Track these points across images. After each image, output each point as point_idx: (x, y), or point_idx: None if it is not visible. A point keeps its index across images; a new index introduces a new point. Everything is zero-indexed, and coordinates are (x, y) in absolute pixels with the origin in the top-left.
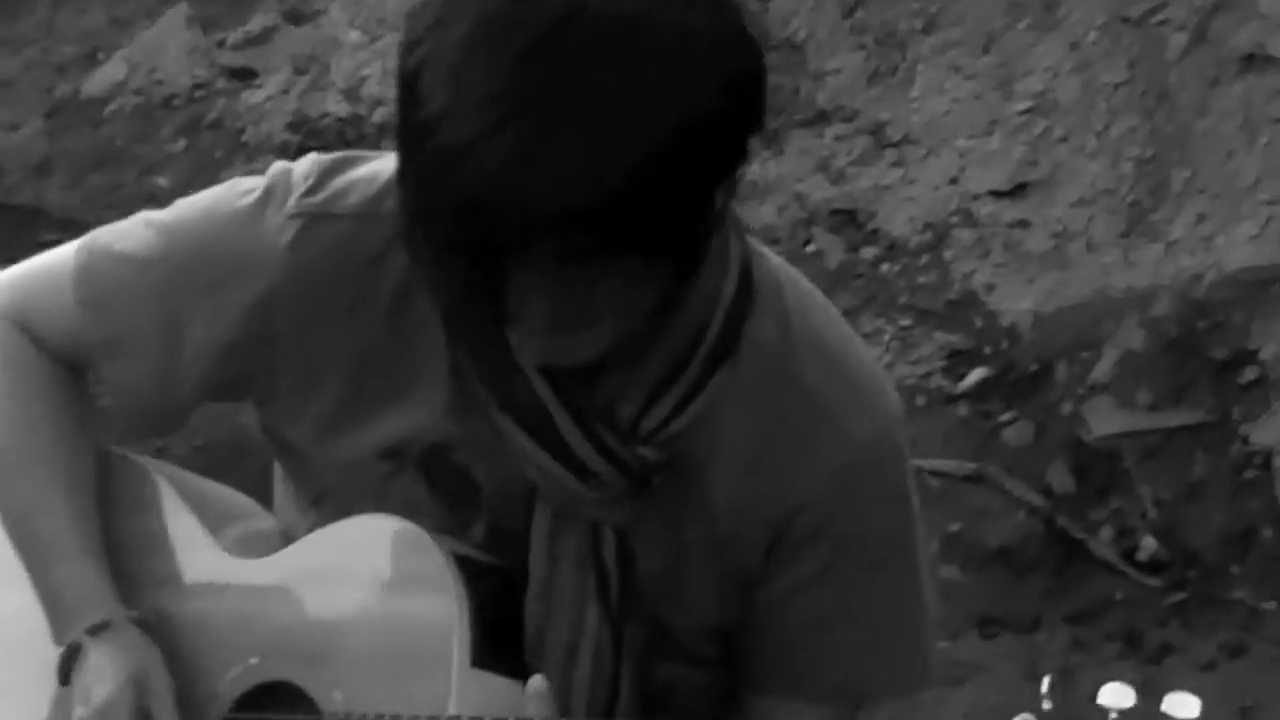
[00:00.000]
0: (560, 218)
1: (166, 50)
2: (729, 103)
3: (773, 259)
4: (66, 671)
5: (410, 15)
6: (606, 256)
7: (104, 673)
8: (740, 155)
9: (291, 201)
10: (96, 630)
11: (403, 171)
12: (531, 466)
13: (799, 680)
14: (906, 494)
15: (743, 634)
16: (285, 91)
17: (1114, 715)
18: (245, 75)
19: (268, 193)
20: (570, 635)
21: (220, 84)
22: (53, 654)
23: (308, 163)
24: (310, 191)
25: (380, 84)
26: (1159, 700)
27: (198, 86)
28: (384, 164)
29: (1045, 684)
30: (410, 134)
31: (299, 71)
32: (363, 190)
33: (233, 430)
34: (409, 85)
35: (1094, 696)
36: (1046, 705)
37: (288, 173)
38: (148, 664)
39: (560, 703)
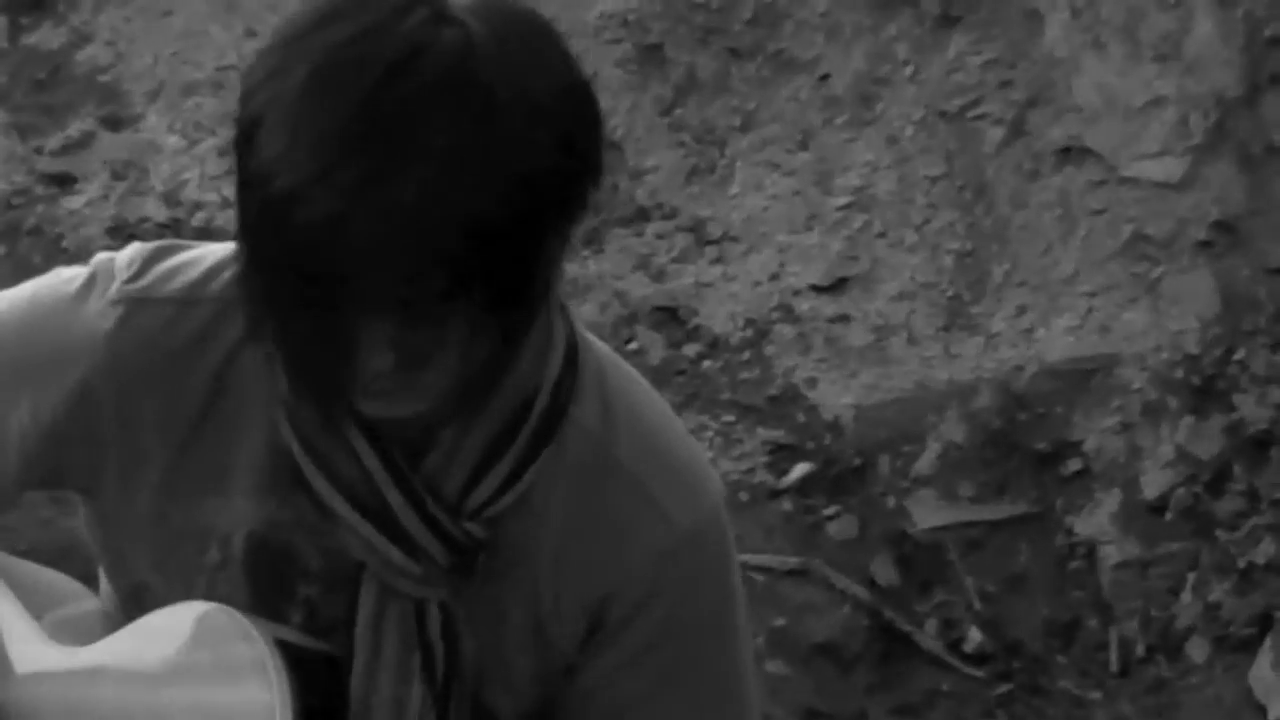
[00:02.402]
0: (395, 265)
1: None
2: (564, 156)
3: (597, 344)
4: None
5: (248, 67)
6: (445, 304)
7: None
8: (579, 205)
9: (114, 288)
10: None
11: (241, 223)
12: (358, 542)
13: None
14: (727, 579)
15: (562, 716)
16: (104, 197)
17: None
18: (64, 181)
19: (90, 280)
20: (395, 710)
21: (39, 190)
22: None
23: (132, 250)
24: (134, 278)
25: (199, 188)
26: None
27: (16, 193)
28: (208, 249)
29: None
30: (246, 183)
31: (117, 177)
32: (186, 274)
33: (59, 533)
34: (246, 135)
35: None
36: None
37: (111, 260)
38: None
39: None
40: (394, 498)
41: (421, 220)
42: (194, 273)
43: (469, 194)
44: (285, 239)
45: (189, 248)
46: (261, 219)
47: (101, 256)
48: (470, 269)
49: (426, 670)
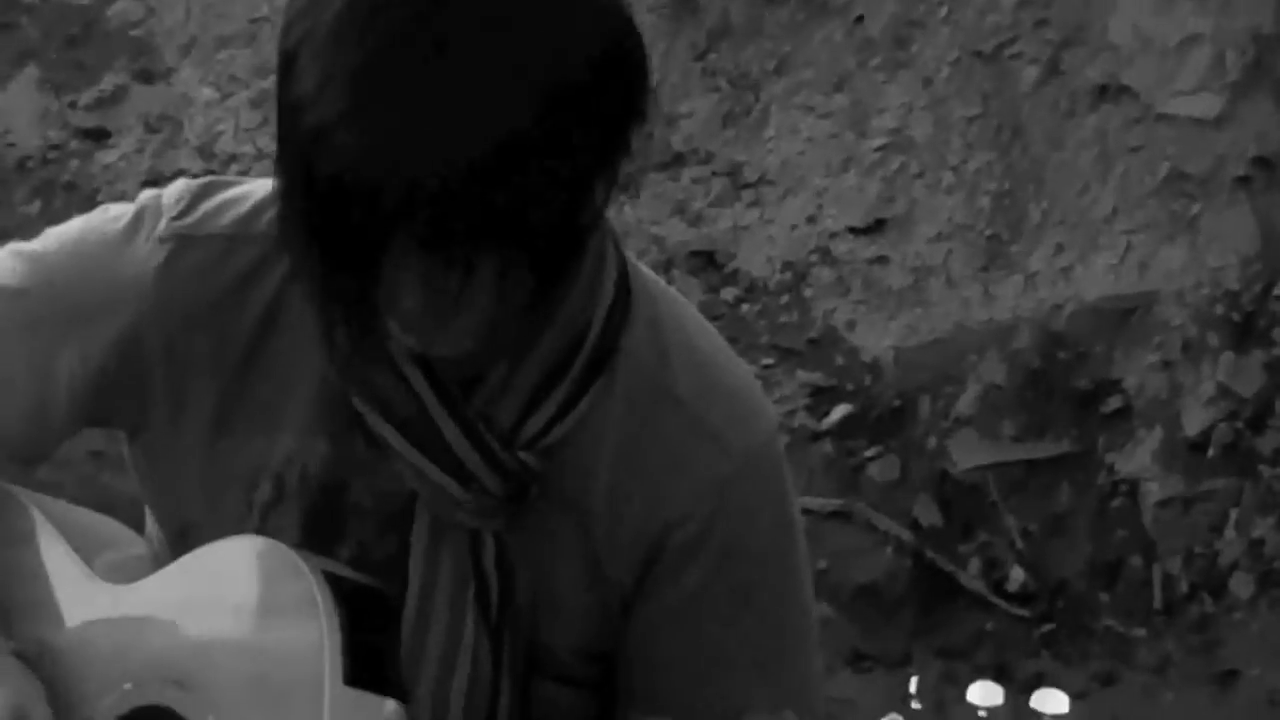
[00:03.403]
0: (424, 198)
1: (18, 114)
2: (602, 81)
3: (648, 275)
4: None
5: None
6: (474, 241)
7: None
8: (619, 145)
9: (162, 225)
10: None
11: (278, 153)
12: (411, 473)
13: (680, 701)
14: (784, 510)
15: (623, 654)
16: (139, 150)
17: (983, 713)
18: (98, 136)
19: (137, 217)
20: (448, 645)
21: (73, 145)
22: None
23: (178, 186)
24: (181, 214)
25: (234, 140)
26: (1028, 697)
27: (51, 148)
28: (255, 185)
29: (913, 685)
30: (284, 113)
31: (151, 130)
32: (234, 211)
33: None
34: (286, 64)
35: (962, 696)
36: (916, 705)
37: (158, 197)
38: (28, 696)
39: (435, 717)
40: (448, 428)
41: (450, 151)
42: (242, 208)
43: (498, 112)
44: (316, 169)
45: (236, 184)
46: (295, 150)
47: (148, 194)
48: (499, 202)
49: (481, 602)
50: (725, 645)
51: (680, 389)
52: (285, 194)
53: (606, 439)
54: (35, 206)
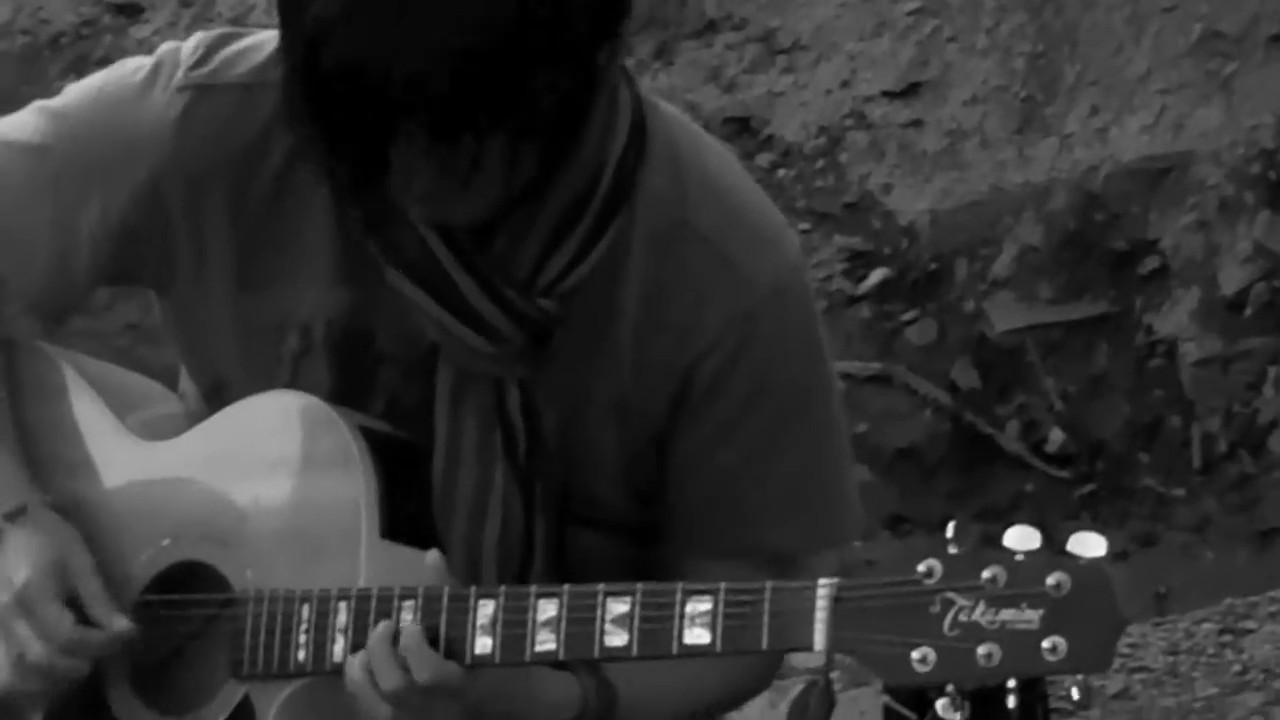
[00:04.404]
0: (426, 88)
1: None
2: None
3: (667, 109)
4: None
5: None
6: (480, 125)
7: (24, 557)
8: (617, 11)
9: (179, 74)
10: (13, 516)
11: (283, 47)
12: (432, 325)
13: (719, 538)
14: (812, 340)
15: (660, 496)
16: (172, 25)
17: (1020, 556)
18: (131, 11)
19: (155, 69)
20: (477, 494)
21: (106, 20)
22: None
23: (195, 38)
24: (198, 64)
25: (266, 14)
26: (1065, 540)
27: (84, 24)
28: (270, 34)
29: (950, 529)
30: (286, 11)
31: (185, 4)
32: (250, 59)
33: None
34: None
35: (999, 541)
36: (953, 550)
37: (176, 49)
38: (68, 545)
39: (469, 566)
40: (462, 280)
41: (447, 31)
42: (258, 57)
43: (499, 13)
44: (320, 63)
45: (251, 33)
46: (299, 43)
47: (166, 46)
48: (500, 83)
49: (509, 450)
50: (758, 480)
51: (701, 223)
52: (289, 88)
53: (629, 279)
54: (69, 83)
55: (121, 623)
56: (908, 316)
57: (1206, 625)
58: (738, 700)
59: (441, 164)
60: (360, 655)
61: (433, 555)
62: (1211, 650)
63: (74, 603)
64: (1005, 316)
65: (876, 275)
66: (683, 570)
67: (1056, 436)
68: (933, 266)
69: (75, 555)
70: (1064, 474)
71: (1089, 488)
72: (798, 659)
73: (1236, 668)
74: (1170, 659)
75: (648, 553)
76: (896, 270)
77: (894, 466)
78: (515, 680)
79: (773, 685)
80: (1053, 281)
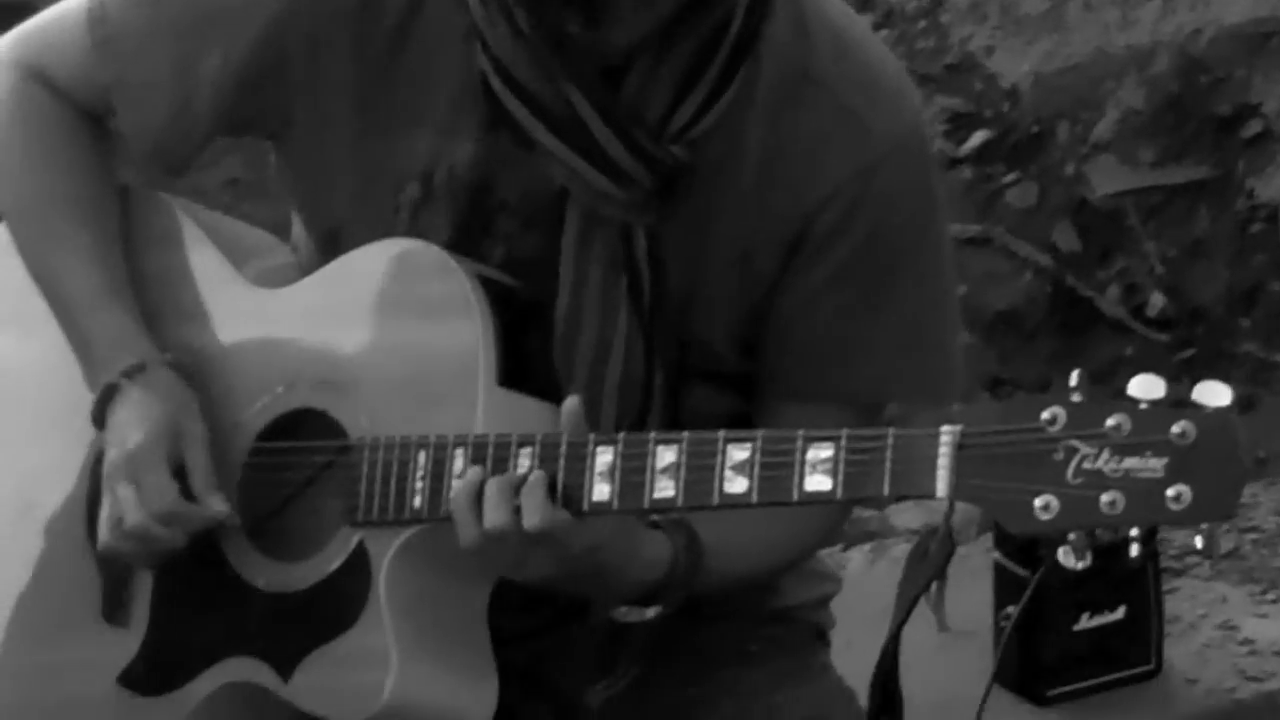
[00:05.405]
0: None
1: None
2: None
3: None
4: (101, 415)
5: None
6: None
7: (139, 416)
8: None
9: None
10: (132, 373)
11: None
12: (562, 170)
13: (826, 385)
14: (929, 193)
15: (770, 341)
16: None
17: (1144, 405)
18: None
19: None
20: (600, 341)
21: None
22: (86, 398)
23: None
24: None
25: None
26: (1189, 390)
27: None
28: None
29: (1075, 378)
30: None
31: None
32: None
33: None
34: None
35: (1123, 390)
36: (1076, 399)
37: None
38: (182, 408)
39: (588, 415)
40: (595, 123)
41: None
42: None
43: None
44: None
45: None
46: None
47: None
48: None
49: (633, 295)
50: (867, 327)
51: (824, 75)
52: None
53: (753, 129)
54: None
55: (219, 505)
56: (1008, 179)
57: None
58: (804, 556)
59: None
60: (470, 482)
61: (572, 401)
62: None
63: (181, 472)
64: (1106, 180)
65: (977, 137)
66: (782, 420)
67: (1157, 300)
68: (1034, 129)
69: (189, 422)
70: (1163, 338)
71: (1189, 352)
72: (899, 519)
73: None
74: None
75: (752, 406)
76: (997, 132)
77: (994, 329)
78: (617, 535)
79: (873, 544)
80: (1154, 145)
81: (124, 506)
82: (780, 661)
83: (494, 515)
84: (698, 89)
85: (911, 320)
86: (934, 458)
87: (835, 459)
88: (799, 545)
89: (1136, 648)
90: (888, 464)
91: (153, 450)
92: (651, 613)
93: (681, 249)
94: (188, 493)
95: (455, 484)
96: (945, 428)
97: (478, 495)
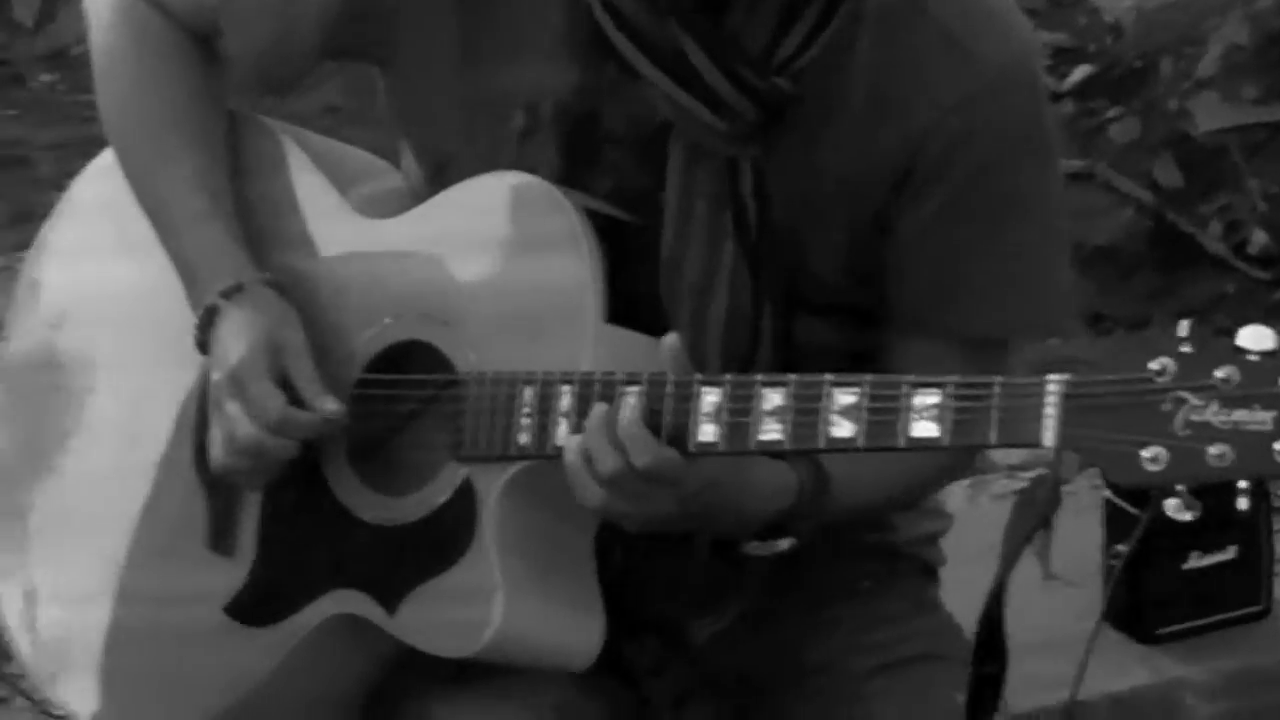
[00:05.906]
0: None
1: None
2: None
3: None
4: (204, 338)
5: None
6: None
7: (239, 334)
8: None
9: None
10: (230, 293)
11: None
12: (665, 101)
13: (940, 320)
14: (1039, 125)
15: (881, 278)
16: None
17: (1254, 356)
18: None
19: None
20: (705, 273)
21: None
22: (191, 322)
23: None
24: None
25: None
26: None
27: None
28: None
29: (1184, 328)
30: None
31: None
32: None
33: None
34: None
35: (1227, 330)
36: (1185, 349)
37: None
38: (283, 323)
39: (694, 351)
40: (697, 56)
41: None
42: None
43: None
44: None
45: None
46: None
47: None
48: None
49: (739, 228)
50: (975, 262)
51: (931, 5)
52: None
53: (859, 59)
54: None
55: (331, 404)
56: (1111, 114)
57: None
58: (927, 490)
59: None
60: (579, 437)
61: (671, 338)
62: None
63: (286, 384)
64: (1209, 116)
65: (1080, 72)
66: (891, 354)
67: (1259, 238)
68: (1137, 64)
69: (289, 334)
70: (1265, 275)
71: None
72: (999, 455)
73: None
74: None
75: (865, 337)
76: (1100, 67)
77: (1094, 264)
78: (735, 470)
79: (973, 480)
80: (1258, 82)
81: (233, 423)
82: (891, 598)
83: (604, 461)
84: (802, 20)
85: (1021, 250)
86: (1041, 407)
87: (943, 405)
88: (920, 481)
89: (1246, 588)
90: (995, 412)
91: (255, 364)
92: (785, 544)
93: (787, 182)
94: (296, 401)
95: (563, 437)
96: (1053, 376)
97: (587, 454)
